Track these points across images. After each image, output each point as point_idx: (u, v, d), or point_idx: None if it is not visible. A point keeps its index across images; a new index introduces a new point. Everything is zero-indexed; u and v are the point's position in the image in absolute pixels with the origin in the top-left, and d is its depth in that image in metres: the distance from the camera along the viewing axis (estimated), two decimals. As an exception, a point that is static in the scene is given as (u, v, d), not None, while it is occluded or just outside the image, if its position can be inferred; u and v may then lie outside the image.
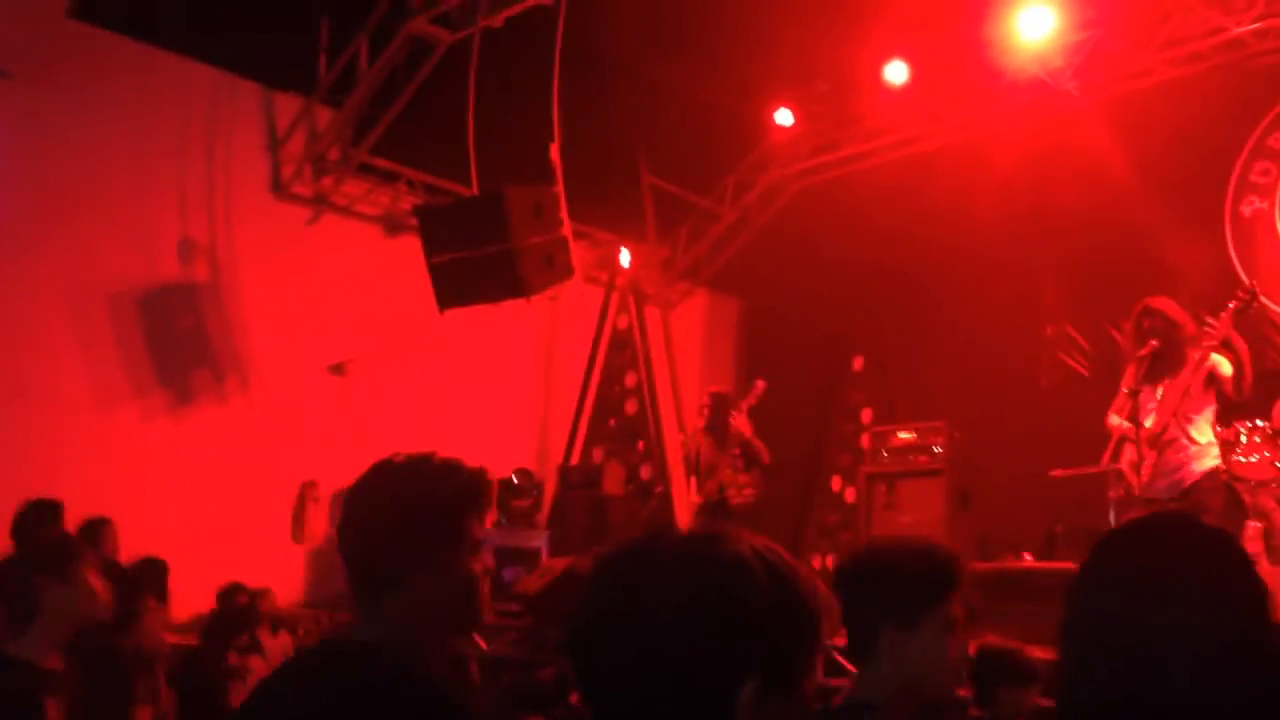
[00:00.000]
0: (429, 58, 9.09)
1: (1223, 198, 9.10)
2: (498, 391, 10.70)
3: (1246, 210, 8.99)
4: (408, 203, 10.05)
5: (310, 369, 9.57)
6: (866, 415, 11.10)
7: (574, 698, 5.63)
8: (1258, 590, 1.47)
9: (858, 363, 11.47)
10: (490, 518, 9.73)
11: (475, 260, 7.91)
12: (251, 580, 7.74)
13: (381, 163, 10.09)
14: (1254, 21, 8.74)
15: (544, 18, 8.10)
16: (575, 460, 10.92)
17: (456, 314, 8.46)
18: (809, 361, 11.44)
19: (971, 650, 4.06)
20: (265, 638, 6.97)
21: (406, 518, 1.93)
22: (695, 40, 9.33)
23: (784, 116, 10.77)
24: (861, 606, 2.40)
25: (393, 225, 10.27)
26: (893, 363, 11.27)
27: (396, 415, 9.45)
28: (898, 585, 2.36)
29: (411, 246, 8.85)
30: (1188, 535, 1.51)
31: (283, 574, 8.91)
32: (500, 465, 10.02)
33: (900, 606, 2.34)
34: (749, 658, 1.20)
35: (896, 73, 9.97)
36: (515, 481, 9.92)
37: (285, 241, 9.77)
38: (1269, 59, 8.93)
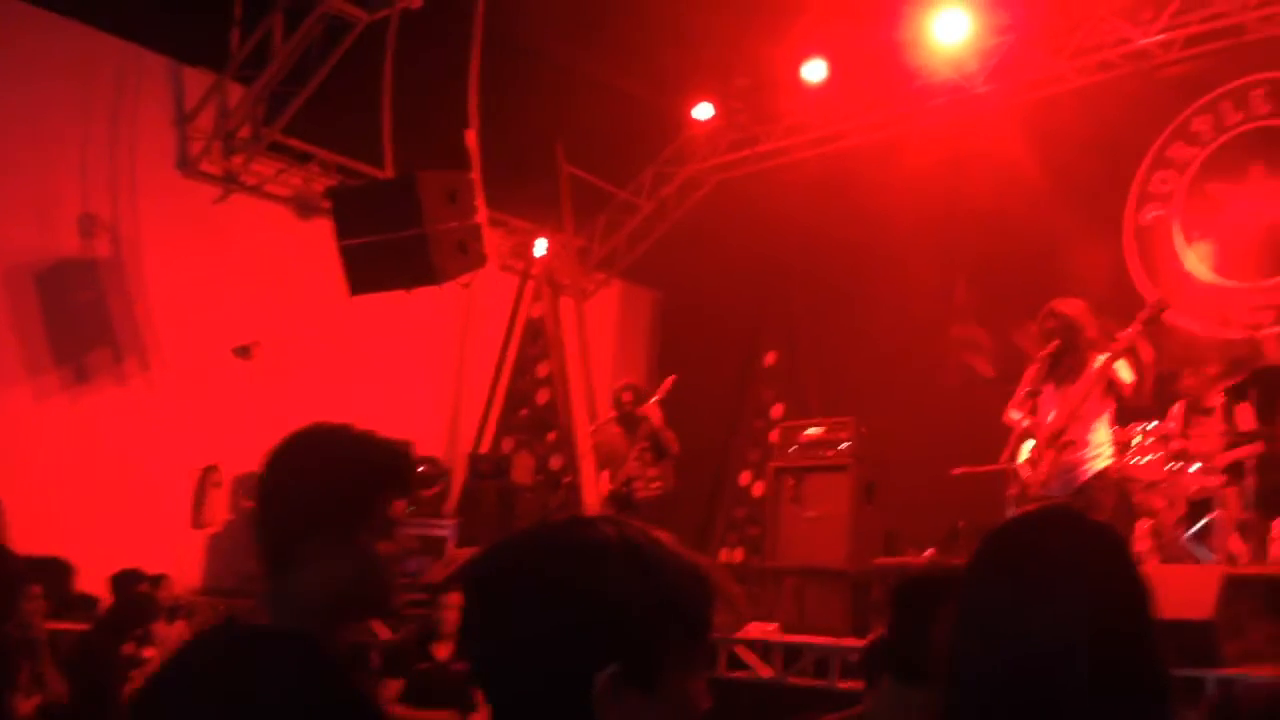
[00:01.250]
0: (345, 36, 8.92)
1: (1124, 205, 9.33)
2: (408, 379, 10.57)
3: (1147, 218, 9.23)
4: (320, 184, 9.86)
5: (215, 351, 9.36)
6: (777, 410, 11.18)
7: (424, 664, 5.67)
8: (1138, 586, 1.49)
9: (770, 358, 11.55)
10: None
11: (387, 245, 7.80)
12: (149, 566, 7.55)
13: (294, 142, 9.89)
14: (1159, 33, 8.98)
15: (464, 1, 8.01)
16: (485, 449, 10.84)
17: (368, 299, 8.34)
18: (722, 355, 11.49)
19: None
20: (160, 627, 6.80)
21: (309, 488, 1.85)
22: (616, 30, 9.30)
23: (703, 110, 10.80)
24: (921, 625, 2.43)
25: (304, 207, 10.07)
26: (804, 359, 11.37)
27: (303, 400, 9.25)
28: None
29: (323, 229, 8.70)
30: (1070, 531, 1.53)
31: (181, 560, 8.70)
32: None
33: None
34: (605, 646, 1.18)
35: (815, 71, 10.05)
36: (422, 470, 9.81)
37: (191, 220, 9.53)
38: (1173, 70, 9.18)
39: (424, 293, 8.41)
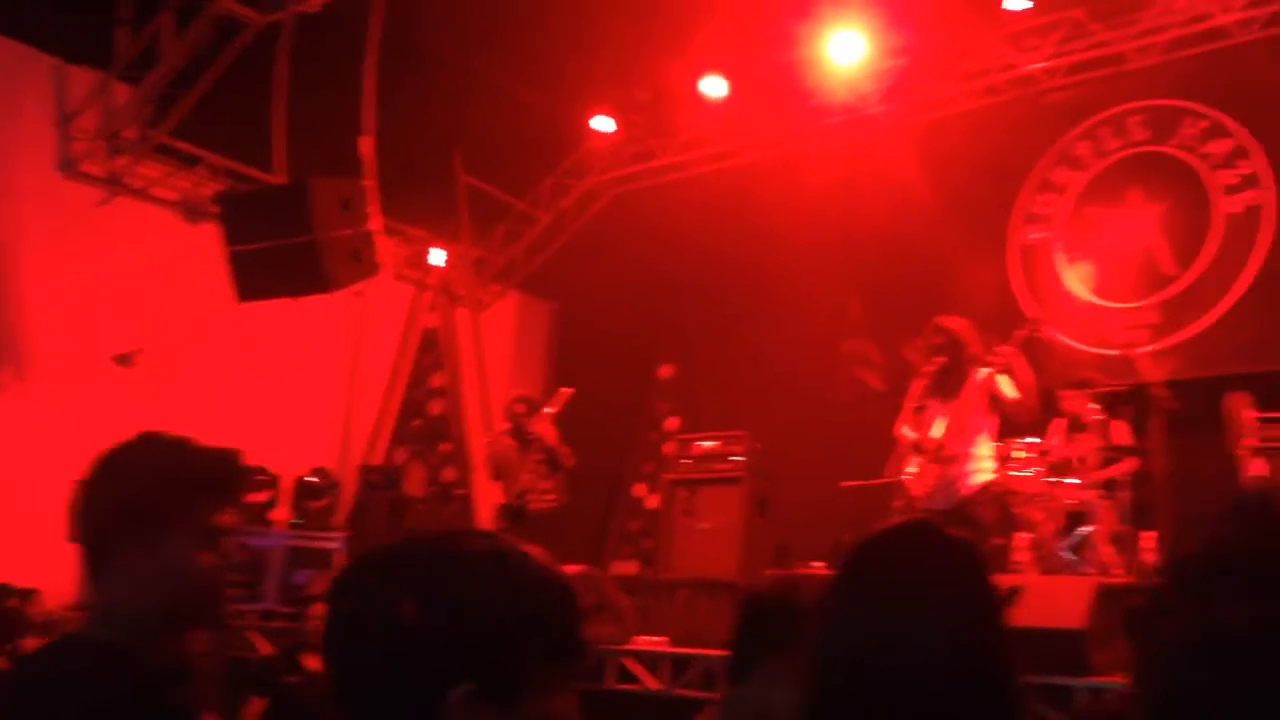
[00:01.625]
0: (237, 38, 8.74)
1: (1009, 225, 9.59)
2: (298, 388, 10.37)
3: (1030, 238, 9.50)
4: (209, 188, 9.63)
5: (96, 358, 9.07)
6: (672, 423, 11.23)
7: (292, 678, 5.60)
8: (993, 599, 1.53)
9: (665, 371, 11.60)
10: (284, 518, 9.47)
11: (277, 251, 7.65)
12: (21, 581, 7.28)
13: (182, 145, 9.65)
14: (1044, 60, 9.28)
15: (361, 6, 7.91)
16: (377, 461, 10.68)
17: (258, 307, 8.17)
18: (618, 368, 11.50)
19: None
20: (30, 643, 6.55)
21: (121, 496, 1.80)
22: (516, 40, 9.28)
23: (603, 123, 10.83)
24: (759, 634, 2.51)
25: (192, 211, 9.82)
26: (700, 372, 11.44)
27: (188, 409, 9.01)
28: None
29: (211, 234, 8.49)
30: (928, 545, 1.56)
31: (55, 574, 8.39)
32: (298, 464, 9.72)
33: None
34: (461, 661, 1.16)
35: (714, 87, 10.15)
36: (312, 481, 9.63)
37: (73, 223, 9.22)
38: (1057, 96, 9.49)
39: (316, 301, 8.26)
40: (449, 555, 1.22)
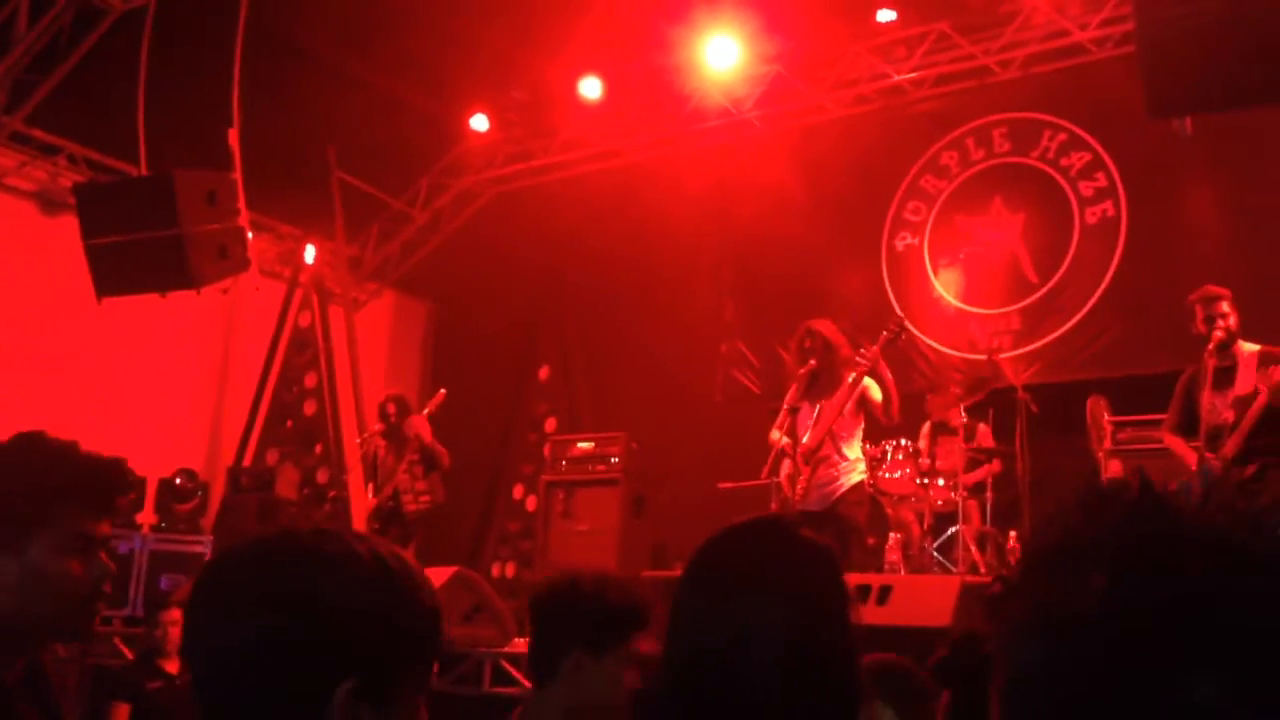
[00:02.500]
0: (98, 24, 8.43)
1: (881, 232, 9.82)
2: (165, 387, 10.06)
3: (900, 245, 9.74)
4: (68, 179, 9.28)
5: (-55, 355, 8.66)
6: (550, 424, 11.21)
7: (153, 684, 5.49)
8: (839, 596, 1.57)
9: (544, 372, 11.57)
10: (149, 520, 9.16)
11: (139, 245, 7.37)
12: None
13: (39, 134, 9.27)
14: (911, 71, 9.52)
15: (230, -5, 7.69)
16: (247, 462, 10.40)
17: (123, 303, 7.87)
18: (496, 368, 11.44)
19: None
20: None
21: None
22: (391, 37, 9.15)
23: (480, 122, 10.75)
24: (555, 631, 2.53)
25: (49, 203, 9.45)
26: (578, 373, 11.43)
27: (47, 410, 8.66)
28: (595, 615, 2.53)
29: (71, 227, 8.15)
30: (775, 541, 1.60)
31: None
32: (164, 465, 9.42)
33: (592, 636, 2.51)
34: (341, 660, 1.15)
35: (591, 88, 10.16)
36: (177, 483, 9.34)
37: (-80, 213, 8.80)
38: (924, 106, 9.75)
39: (184, 298, 7.98)
40: (317, 555, 1.20)
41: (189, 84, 8.01)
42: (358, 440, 9.41)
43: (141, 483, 8.94)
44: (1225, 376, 5.83)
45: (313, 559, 1.20)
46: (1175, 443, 6.01)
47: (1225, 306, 5.84)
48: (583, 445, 9.35)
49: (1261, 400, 5.60)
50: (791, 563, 1.55)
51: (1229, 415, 5.75)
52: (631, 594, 2.61)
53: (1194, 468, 5.75)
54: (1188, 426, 5.98)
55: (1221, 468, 5.65)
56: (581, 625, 2.52)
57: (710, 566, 1.59)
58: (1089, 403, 7.42)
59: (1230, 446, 5.66)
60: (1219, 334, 5.79)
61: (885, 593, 5.56)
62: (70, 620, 1.80)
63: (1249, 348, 5.86)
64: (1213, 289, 5.93)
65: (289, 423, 10.92)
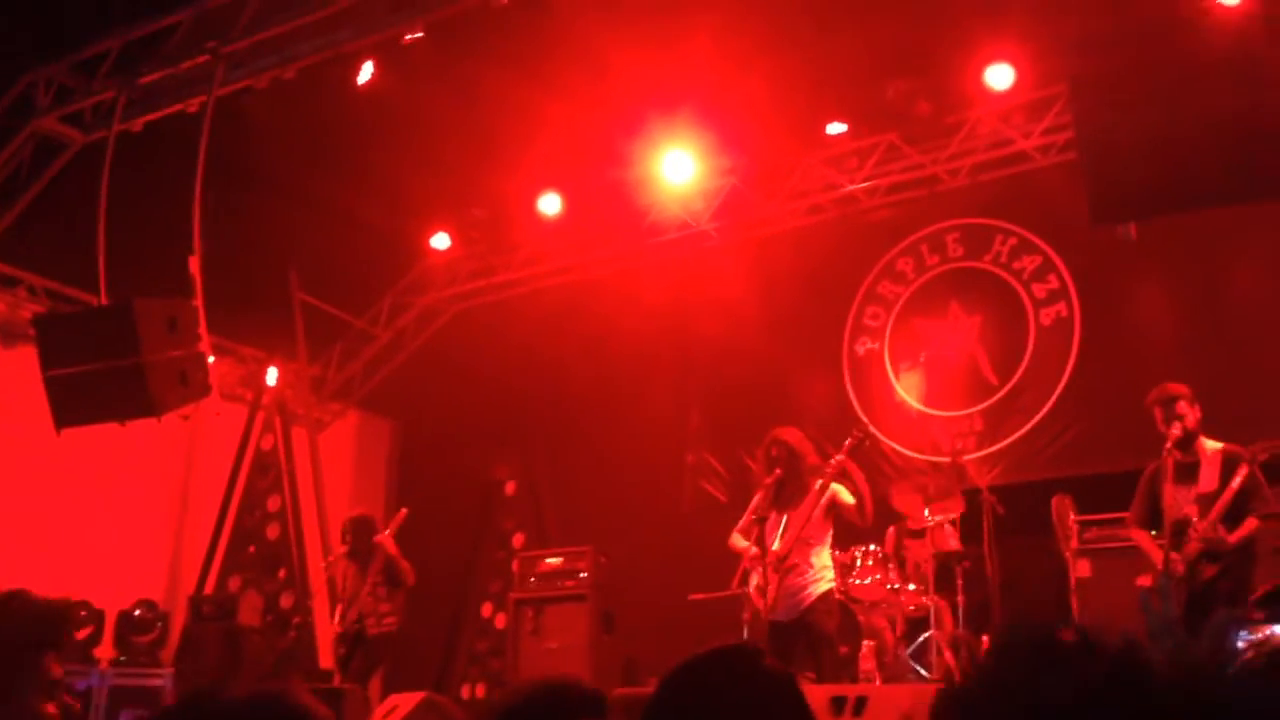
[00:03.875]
0: (58, 156, 8.49)
1: (841, 338, 9.93)
2: (124, 517, 9.89)
3: (861, 350, 9.85)
4: (29, 310, 9.25)
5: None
6: (518, 540, 11.11)
7: None
8: None
9: (510, 487, 11.49)
10: (108, 655, 8.93)
11: (100, 375, 7.32)
12: None
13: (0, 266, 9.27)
14: (864, 181, 9.75)
15: (188, 124, 7.80)
16: (209, 590, 10.20)
17: (82, 433, 7.78)
18: (462, 485, 11.36)
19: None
20: None
21: None
22: (351, 158, 9.25)
23: (441, 240, 10.85)
24: None
25: (9, 334, 9.40)
26: (544, 488, 11.37)
27: (6, 542, 8.54)
28: None
29: (30, 357, 8.09)
30: (741, 672, 1.60)
31: None
32: (124, 596, 9.23)
33: None
34: None
35: (550, 204, 10.30)
36: (136, 614, 9.13)
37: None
38: (878, 214, 9.96)
39: (144, 425, 7.91)
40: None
41: (149, 212, 8.07)
42: (323, 564, 9.28)
43: (100, 616, 8.75)
44: (1188, 472, 5.90)
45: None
46: (1142, 539, 6.05)
47: (1183, 406, 5.93)
48: (551, 561, 9.27)
49: (1226, 498, 5.68)
50: (754, 696, 1.55)
51: (1191, 510, 5.80)
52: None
53: (1160, 566, 5.77)
54: (1151, 520, 6.03)
55: (1185, 569, 5.68)
56: None
57: (675, 701, 1.58)
58: (1054, 502, 7.45)
59: (1194, 546, 5.71)
60: (1176, 432, 5.87)
61: (861, 704, 5.49)
62: None
63: (1212, 445, 5.94)
64: (1170, 389, 6.02)
65: (251, 548, 10.74)
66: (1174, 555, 5.70)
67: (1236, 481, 5.66)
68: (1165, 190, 4.94)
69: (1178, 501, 5.86)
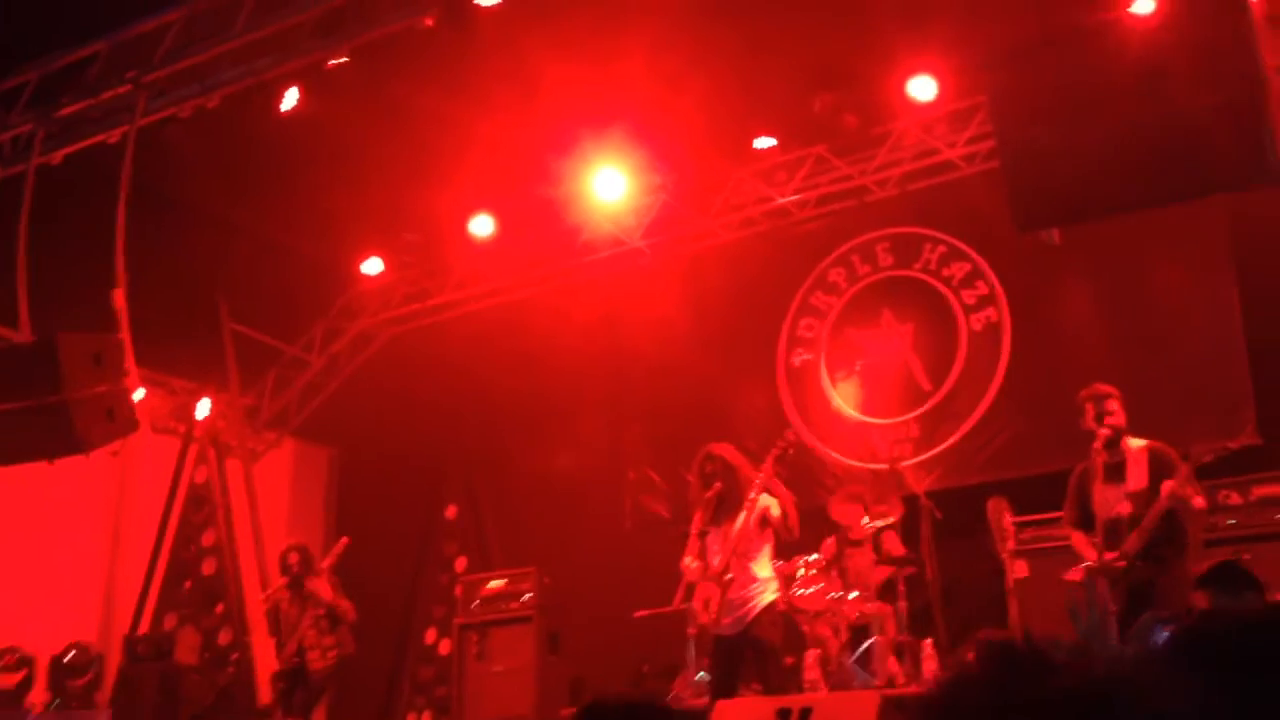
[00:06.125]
0: (-26, 192, 8.29)
1: (776, 350, 9.99)
2: (54, 558, 9.65)
3: (797, 361, 9.92)
4: (-53, 349, 9.00)
5: None
6: (461, 564, 11.02)
7: None
8: None
9: (451, 511, 11.41)
10: (41, 700, 8.70)
11: (23, 413, 7.15)
12: None
13: (-85, 305, 9.01)
14: (794, 193, 9.83)
15: (109, 155, 7.66)
16: (144, 629, 9.98)
17: (7, 471, 7.60)
18: (402, 511, 11.25)
19: None
20: None
21: None
22: (278, 185, 9.13)
23: (373, 265, 10.75)
24: None
25: (-72, 374, 9.12)
26: (486, 510, 11.30)
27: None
28: None
29: (-50, 398, 7.90)
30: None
31: None
32: (56, 639, 9.00)
33: None
34: None
35: (482, 225, 10.26)
36: (68, 659, 8.91)
37: None
38: (809, 226, 10.05)
39: (71, 463, 7.75)
40: None
41: (72, 246, 7.91)
42: (262, 597, 9.12)
43: (31, 661, 8.53)
44: (1116, 471, 6.00)
45: None
46: (1078, 540, 6.13)
47: (1114, 405, 6.06)
48: (494, 584, 9.21)
49: (1161, 504, 5.78)
50: None
51: (1124, 509, 5.90)
52: None
53: (1095, 565, 5.86)
54: (1085, 520, 6.12)
55: (1126, 565, 5.78)
56: None
57: None
58: (989, 505, 7.54)
59: (1132, 544, 5.80)
60: (1105, 431, 5.98)
61: (805, 715, 5.51)
62: None
63: (1136, 443, 6.06)
64: (1102, 387, 6.14)
65: (187, 583, 10.53)
66: (1108, 555, 5.79)
67: (1165, 500, 5.78)
68: (1086, 196, 5.03)
69: (1108, 500, 5.97)
